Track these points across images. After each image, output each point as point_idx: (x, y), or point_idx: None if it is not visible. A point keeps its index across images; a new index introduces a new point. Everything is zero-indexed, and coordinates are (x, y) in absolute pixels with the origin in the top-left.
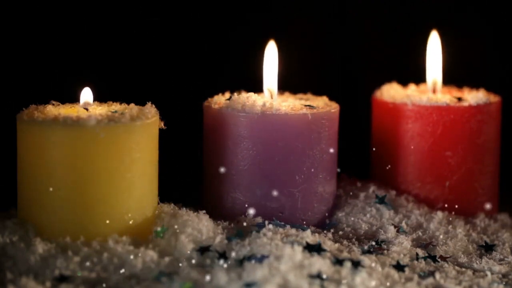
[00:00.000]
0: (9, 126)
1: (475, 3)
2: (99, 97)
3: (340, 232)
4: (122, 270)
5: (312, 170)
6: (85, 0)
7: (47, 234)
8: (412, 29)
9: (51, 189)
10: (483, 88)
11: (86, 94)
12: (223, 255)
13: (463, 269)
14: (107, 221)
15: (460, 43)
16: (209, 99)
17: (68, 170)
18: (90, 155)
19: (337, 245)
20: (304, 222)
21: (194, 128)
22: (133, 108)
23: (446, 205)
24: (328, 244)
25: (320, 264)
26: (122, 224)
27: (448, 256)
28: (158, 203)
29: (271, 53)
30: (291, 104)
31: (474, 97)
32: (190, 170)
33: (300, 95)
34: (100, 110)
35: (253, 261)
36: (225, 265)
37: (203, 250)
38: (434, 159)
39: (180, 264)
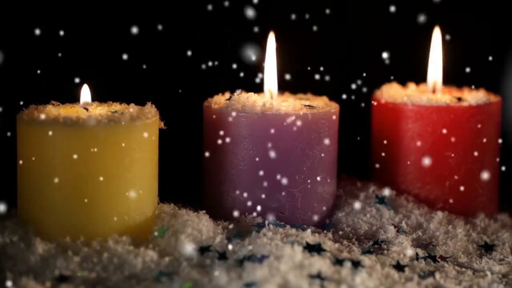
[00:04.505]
0: (9, 126)
1: (475, 3)
2: (99, 97)
3: (340, 232)
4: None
5: (312, 170)
6: (85, 0)
7: (47, 234)
8: (412, 29)
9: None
10: (483, 88)
11: (85, 92)
12: (223, 255)
13: (463, 269)
14: (107, 221)
15: (460, 43)
16: (209, 99)
17: (68, 170)
18: (90, 155)
19: (337, 245)
20: (302, 222)
21: (194, 128)
22: (133, 108)
23: (446, 205)
24: (328, 244)
25: (320, 264)
26: (122, 224)
27: (448, 256)
28: (158, 203)
29: (270, 52)
30: (291, 104)
31: (474, 97)
32: (190, 170)
33: (300, 95)
34: (100, 110)
35: (254, 261)
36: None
37: (203, 250)
38: (434, 159)
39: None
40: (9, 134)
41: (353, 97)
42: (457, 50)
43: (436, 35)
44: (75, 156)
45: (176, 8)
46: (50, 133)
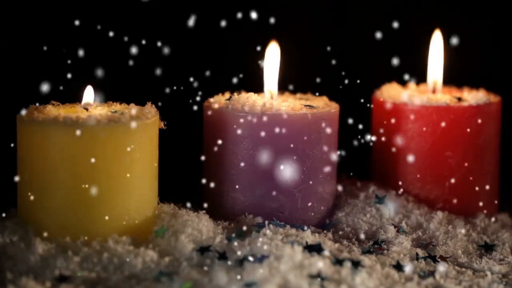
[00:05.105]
0: (9, 126)
1: (475, 3)
2: (99, 97)
3: (340, 232)
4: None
5: (312, 170)
6: (85, 0)
7: (47, 234)
8: (413, 29)
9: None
10: (483, 88)
11: (89, 93)
12: (223, 255)
13: (463, 269)
14: (107, 221)
15: (460, 43)
16: (209, 99)
17: (68, 170)
18: (90, 155)
19: (337, 245)
20: (302, 222)
21: (194, 128)
22: (133, 108)
23: (446, 205)
24: (328, 244)
25: (320, 264)
26: (122, 224)
27: (448, 256)
28: (158, 203)
29: (272, 54)
30: (291, 104)
31: (474, 97)
32: (190, 170)
33: (300, 95)
34: (100, 110)
35: (255, 261)
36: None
37: (203, 250)
38: (434, 159)
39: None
40: (8, 134)
41: (353, 97)
42: (457, 50)
43: (437, 35)
44: (75, 156)
45: (176, 8)
46: (50, 133)
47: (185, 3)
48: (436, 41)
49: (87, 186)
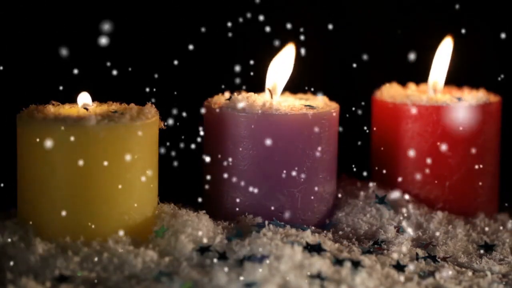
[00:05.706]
0: (9, 126)
1: (475, 4)
2: (99, 97)
3: (340, 232)
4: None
5: (312, 170)
6: (85, 0)
7: (47, 234)
8: (413, 29)
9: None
10: (483, 88)
11: (84, 98)
12: (223, 255)
13: (463, 269)
14: (107, 221)
15: (461, 43)
16: (209, 99)
17: (68, 170)
18: (90, 155)
19: (337, 245)
20: (303, 222)
21: (194, 128)
22: (133, 108)
23: (446, 205)
24: (328, 244)
25: (320, 264)
26: (122, 224)
27: (448, 256)
28: (158, 203)
29: (286, 56)
30: (291, 104)
31: (474, 97)
32: (190, 170)
33: (300, 95)
34: (100, 110)
35: (254, 261)
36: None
37: (203, 250)
38: (434, 159)
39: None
40: (8, 134)
41: (353, 97)
42: (457, 50)
43: (448, 41)
44: (75, 156)
45: (177, 8)
46: (50, 133)
47: (187, 3)
48: (446, 47)
49: (87, 186)
